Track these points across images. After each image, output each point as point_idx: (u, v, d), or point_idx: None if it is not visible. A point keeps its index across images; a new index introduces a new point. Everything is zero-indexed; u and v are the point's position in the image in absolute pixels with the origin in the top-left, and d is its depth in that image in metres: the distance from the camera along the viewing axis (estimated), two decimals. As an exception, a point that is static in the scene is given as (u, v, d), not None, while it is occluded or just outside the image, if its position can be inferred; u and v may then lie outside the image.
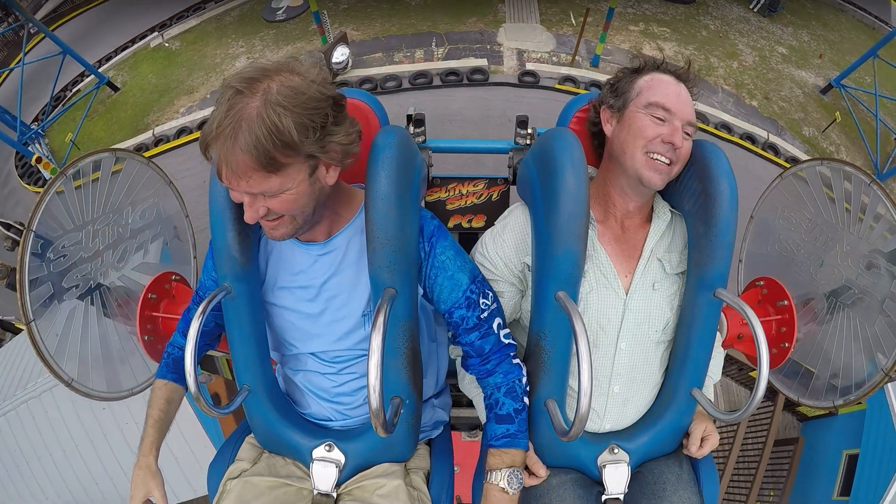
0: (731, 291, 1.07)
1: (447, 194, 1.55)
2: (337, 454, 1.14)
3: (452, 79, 8.50)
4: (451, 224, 1.59)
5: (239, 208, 1.01)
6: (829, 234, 1.32)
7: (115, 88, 8.52)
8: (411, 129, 1.44)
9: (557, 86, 8.21)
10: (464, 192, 1.56)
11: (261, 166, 0.84)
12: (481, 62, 8.65)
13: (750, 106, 8.22)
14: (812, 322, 1.34)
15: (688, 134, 1.08)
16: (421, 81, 8.42)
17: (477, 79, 8.51)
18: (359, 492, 1.13)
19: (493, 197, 1.56)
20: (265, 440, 1.20)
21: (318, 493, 1.12)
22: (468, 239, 1.56)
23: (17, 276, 1.09)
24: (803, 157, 7.61)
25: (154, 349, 1.20)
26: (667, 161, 1.07)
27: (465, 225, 1.60)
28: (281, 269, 1.11)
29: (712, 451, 1.22)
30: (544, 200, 1.03)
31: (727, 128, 7.85)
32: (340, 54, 7.95)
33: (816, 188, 1.34)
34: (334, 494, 1.13)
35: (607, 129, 1.15)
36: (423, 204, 1.46)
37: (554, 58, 8.71)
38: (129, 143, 7.60)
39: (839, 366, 1.27)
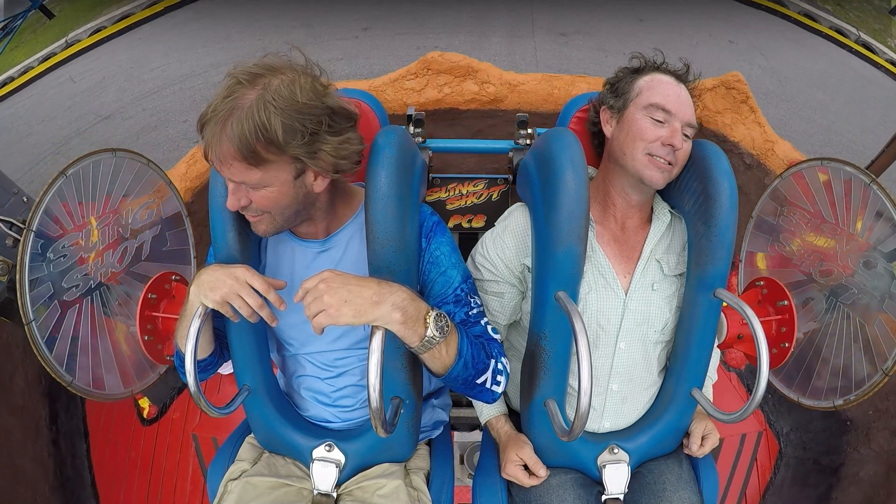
0: (731, 291, 1.07)
1: (447, 194, 1.55)
2: (337, 454, 1.14)
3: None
4: (451, 224, 1.59)
5: None
6: (829, 234, 1.32)
7: (51, 15, 7.50)
8: (411, 128, 1.44)
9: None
10: (464, 192, 1.56)
11: (242, 157, 0.86)
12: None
13: (823, 8, 7.02)
14: (812, 322, 1.34)
15: (687, 135, 1.08)
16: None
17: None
18: (359, 492, 1.14)
19: (493, 197, 1.56)
20: (265, 440, 1.20)
21: (318, 493, 1.13)
22: (468, 239, 1.56)
23: (17, 276, 1.09)
24: (902, 62, 6.40)
25: (154, 349, 1.20)
26: (666, 162, 1.07)
27: (465, 225, 1.60)
28: (280, 267, 1.11)
29: (712, 451, 1.22)
30: (544, 200, 1.03)
31: (811, 17, 6.38)
32: None
33: (816, 188, 1.34)
34: (334, 494, 1.13)
35: (607, 129, 1.15)
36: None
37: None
38: (40, 55, 6.56)
39: (839, 366, 1.27)
